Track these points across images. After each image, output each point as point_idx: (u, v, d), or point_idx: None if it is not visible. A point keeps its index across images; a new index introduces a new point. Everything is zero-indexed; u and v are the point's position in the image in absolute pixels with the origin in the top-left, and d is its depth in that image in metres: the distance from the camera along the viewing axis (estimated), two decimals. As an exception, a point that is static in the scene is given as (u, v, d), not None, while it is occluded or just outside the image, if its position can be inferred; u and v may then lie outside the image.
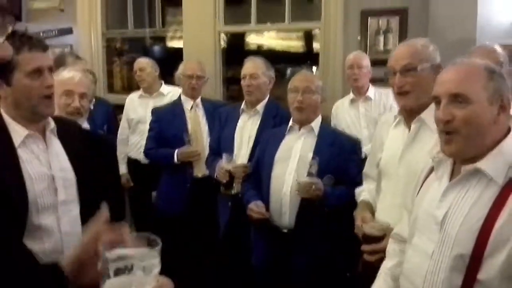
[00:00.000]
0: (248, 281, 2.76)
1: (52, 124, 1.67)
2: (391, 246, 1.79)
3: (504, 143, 1.39)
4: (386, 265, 1.77)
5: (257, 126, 3.04)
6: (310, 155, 2.50)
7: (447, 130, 1.41)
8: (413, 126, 1.95)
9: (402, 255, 1.65)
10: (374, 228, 1.94)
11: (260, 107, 3.10)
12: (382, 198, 2.07)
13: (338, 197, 2.44)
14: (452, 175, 1.47)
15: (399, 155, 1.96)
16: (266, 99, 3.14)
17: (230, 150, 3.03)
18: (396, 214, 1.86)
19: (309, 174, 2.41)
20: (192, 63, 3.60)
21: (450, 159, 1.49)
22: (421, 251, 1.48)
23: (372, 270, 1.85)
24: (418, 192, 1.60)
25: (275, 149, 2.60)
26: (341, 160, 2.49)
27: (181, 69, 3.59)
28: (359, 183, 2.36)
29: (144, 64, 4.19)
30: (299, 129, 2.61)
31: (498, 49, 2.47)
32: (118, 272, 0.83)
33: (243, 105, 3.16)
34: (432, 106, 1.84)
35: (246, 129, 3.07)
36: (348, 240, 2.20)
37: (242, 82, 3.12)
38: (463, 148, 1.41)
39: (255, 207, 2.54)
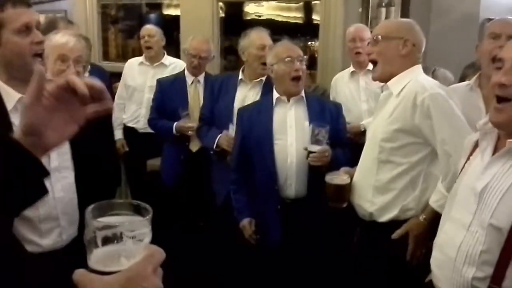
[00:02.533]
0: (247, 254, 2.77)
1: None
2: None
3: None
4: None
5: (258, 97, 3.01)
6: (306, 123, 2.50)
7: (502, 95, 1.35)
8: (382, 94, 2.17)
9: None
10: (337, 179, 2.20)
11: (263, 78, 3.06)
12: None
13: (344, 158, 2.51)
14: (496, 149, 1.43)
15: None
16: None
17: (229, 121, 3.00)
18: (359, 172, 2.21)
19: (317, 141, 2.38)
20: (198, 42, 3.53)
21: (495, 132, 1.44)
22: (458, 223, 1.47)
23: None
24: (463, 167, 1.58)
25: (267, 123, 2.55)
26: (332, 124, 2.51)
27: (187, 45, 3.57)
28: (348, 143, 2.67)
29: (153, 31, 4.07)
30: (288, 100, 2.57)
31: None
32: (106, 241, 0.79)
33: (241, 76, 3.11)
34: (400, 75, 2.05)
35: (248, 100, 3.03)
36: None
37: (257, 53, 3.04)
38: None
39: (249, 229, 2.61)
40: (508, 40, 2.08)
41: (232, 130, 2.92)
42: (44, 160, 1.54)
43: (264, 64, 2.93)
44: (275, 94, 2.60)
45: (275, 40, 3.15)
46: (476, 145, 1.54)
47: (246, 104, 2.94)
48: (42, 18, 1.83)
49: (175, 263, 1.39)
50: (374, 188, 2.14)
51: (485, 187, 1.38)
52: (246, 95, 3.07)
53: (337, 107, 2.75)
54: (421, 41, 2.15)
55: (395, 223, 2.08)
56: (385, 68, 2.11)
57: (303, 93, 2.59)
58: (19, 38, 1.52)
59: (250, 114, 2.64)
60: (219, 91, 3.16)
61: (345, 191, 2.22)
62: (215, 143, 3.01)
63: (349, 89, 3.44)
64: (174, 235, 3.05)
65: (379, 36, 2.11)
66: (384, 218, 2.12)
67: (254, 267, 2.66)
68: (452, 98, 1.99)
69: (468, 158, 1.56)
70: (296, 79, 2.52)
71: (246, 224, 2.61)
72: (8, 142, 0.89)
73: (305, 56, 2.61)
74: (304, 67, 2.56)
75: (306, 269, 2.55)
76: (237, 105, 3.02)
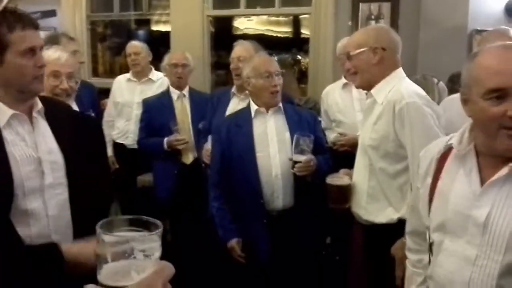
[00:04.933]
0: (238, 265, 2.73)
1: (39, 105, 1.61)
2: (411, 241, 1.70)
3: None
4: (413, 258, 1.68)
5: None
6: (287, 134, 2.50)
7: None
8: (367, 102, 2.24)
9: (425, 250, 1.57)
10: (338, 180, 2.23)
11: None
12: None
13: (326, 164, 2.51)
14: (480, 171, 1.33)
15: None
16: None
17: None
18: (354, 179, 2.23)
19: (302, 151, 2.38)
20: (177, 53, 3.64)
21: (474, 152, 1.35)
22: (459, 256, 1.35)
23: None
24: (433, 186, 1.46)
25: (248, 136, 2.53)
26: (311, 131, 2.52)
27: (166, 60, 3.62)
28: (328, 150, 2.72)
29: (139, 48, 4.07)
30: (267, 111, 2.56)
31: None
32: (116, 256, 0.79)
33: (233, 89, 3.14)
34: (383, 82, 2.07)
35: None
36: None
37: (231, 66, 3.10)
38: None
39: (238, 250, 2.53)
40: None
41: (211, 141, 2.89)
42: (38, 177, 1.53)
43: (236, 75, 2.98)
44: (253, 106, 2.58)
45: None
46: (441, 163, 1.44)
47: None
48: (43, 34, 1.81)
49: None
50: (368, 195, 2.16)
51: (487, 217, 1.28)
52: (235, 108, 3.07)
53: (313, 115, 2.79)
54: (391, 42, 2.15)
55: (391, 225, 2.07)
56: (363, 78, 2.17)
57: (280, 104, 2.59)
58: (23, 60, 1.52)
59: (228, 128, 2.59)
60: (217, 104, 3.20)
61: (346, 192, 2.22)
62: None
63: (342, 100, 3.44)
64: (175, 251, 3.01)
65: (350, 52, 2.17)
66: (380, 220, 2.13)
67: (246, 285, 2.61)
68: (431, 107, 2.01)
69: (436, 178, 1.44)
70: (274, 93, 2.53)
71: (235, 245, 2.53)
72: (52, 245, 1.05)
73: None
74: (281, 80, 2.57)
75: (298, 285, 2.51)
76: None
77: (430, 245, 1.47)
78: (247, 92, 3.02)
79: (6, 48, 1.49)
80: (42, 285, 1.01)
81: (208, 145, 2.95)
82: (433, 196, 1.44)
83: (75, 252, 1.02)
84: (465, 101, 1.35)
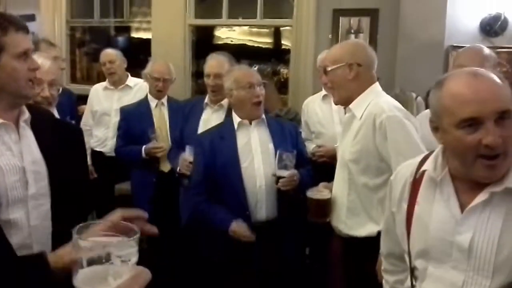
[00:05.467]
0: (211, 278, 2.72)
1: (26, 114, 1.58)
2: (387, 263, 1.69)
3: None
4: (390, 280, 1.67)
5: (222, 120, 2.99)
6: (270, 146, 2.53)
7: (497, 154, 1.22)
8: (346, 116, 2.26)
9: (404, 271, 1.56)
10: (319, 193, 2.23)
11: (225, 101, 3.06)
12: None
13: (307, 176, 2.53)
14: (458, 194, 1.32)
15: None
16: None
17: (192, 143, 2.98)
18: (333, 193, 2.23)
19: (285, 166, 2.41)
20: (160, 65, 3.57)
21: (448, 176, 1.34)
22: (445, 283, 1.34)
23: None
24: (410, 212, 1.44)
25: (232, 149, 2.53)
26: (293, 143, 2.57)
27: (148, 69, 3.58)
28: (309, 161, 2.74)
29: (114, 56, 4.02)
30: (250, 123, 2.58)
31: (487, 51, 2.49)
32: (92, 261, 0.79)
33: (206, 99, 3.14)
34: (361, 97, 2.10)
35: (211, 123, 3.01)
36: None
37: (206, 80, 3.10)
38: (505, 169, 1.25)
39: (241, 228, 2.43)
40: None
41: (189, 151, 2.89)
42: (22, 187, 1.50)
43: (213, 91, 3.01)
44: (236, 118, 2.59)
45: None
46: (415, 187, 1.42)
47: (210, 126, 2.90)
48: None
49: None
50: (347, 209, 2.17)
51: (471, 242, 1.27)
52: (209, 118, 3.09)
53: (295, 127, 2.83)
54: (366, 57, 2.17)
55: (371, 239, 2.07)
56: (340, 94, 2.19)
57: (263, 115, 2.61)
58: (18, 63, 1.50)
59: (212, 141, 2.58)
60: (188, 114, 3.19)
61: (326, 205, 2.23)
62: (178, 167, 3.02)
63: (321, 111, 3.48)
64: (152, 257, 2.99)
65: (326, 67, 2.19)
66: (360, 233, 2.14)
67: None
68: (410, 120, 2.04)
69: (412, 203, 1.42)
70: (257, 104, 2.54)
71: (236, 227, 2.43)
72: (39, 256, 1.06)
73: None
74: (263, 91, 2.58)
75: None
76: (201, 128, 3.03)
77: (412, 270, 1.45)
78: (221, 103, 3.06)
79: (1, 51, 1.47)
80: None
81: (185, 155, 2.92)
82: (411, 222, 1.42)
83: (63, 260, 1.01)
84: (435, 129, 1.35)
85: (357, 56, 2.14)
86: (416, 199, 1.41)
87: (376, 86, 2.19)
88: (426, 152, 1.54)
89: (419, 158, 1.48)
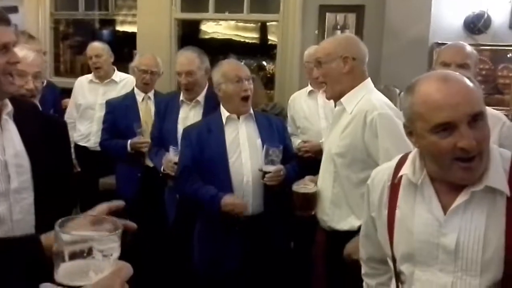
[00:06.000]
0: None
1: (9, 107, 1.55)
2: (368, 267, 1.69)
3: (492, 157, 1.31)
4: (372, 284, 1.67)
5: (200, 117, 2.99)
6: (258, 141, 2.54)
7: (472, 156, 1.23)
8: (336, 110, 2.23)
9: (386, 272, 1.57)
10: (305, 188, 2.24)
11: (201, 97, 3.07)
12: None
13: (293, 172, 2.54)
14: (438, 196, 1.33)
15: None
16: (205, 89, 3.10)
17: (174, 142, 2.97)
18: (319, 185, 2.25)
19: (271, 162, 2.43)
20: (147, 58, 3.56)
21: (427, 179, 1.35)
22: (434, 286, 1.34)
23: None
24: (391, 216, 1.44)
25: (220, 143, 2.53)
26: (280, 138, 2.58)
27: (136, 62, 3.58)
28: (294, 156, 2.77)
29: (100, 50, 3.96)
30: (238, 118, 2.58)
31: (469, 48, 2.50)
32: (74, 256, 0.79)
33: (181, 97, 3.11)
34: (353, 92, 2.10)
35: (190, 120, 3.01)
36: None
37: (178, 79, 3.08)
38: (482, 170, 1.27)
39: (234, 200, 2.41)
40: (457, 68, 2.20)
41: (173, 152, 2.87)
42: (4, 181, 1.48)
43: (186, 89, 2.99)
44: (224, 112, 2.58)
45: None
46: (394, 191, 1.43)
47: (189, 123, 2.87)
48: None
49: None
50: (331, 201, 2.19)
51: (457, 243, 1.29)
52: (187, 116, 3.06)
53: (282, 122, 2.84)
54: (360, 52, 2.18)
55: (352, 233, 2.09)
56: (334, 88, 2.18)
57: (251, 110, 2.62)
58: None
59: (199, 134, 2.57)
60: (165, 111, 3.16)
61: (312, 199, 2.25)
62: (162, 167, 2.99)
63: (307, 107, 3.50)
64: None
65: (320, 59, 2.18)
66: (342, 227, 2.17)
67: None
68: (400, 118, 2.05)
69: (393, 207, 1.42)
70: (245, 98, 2.54)
71: (228, 200, 2.40)
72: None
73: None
74: (252, 86, 2.58)
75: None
76: (180, 126, 2.99)
77: (398, 274, 1.45)
78: (197, 99, 3.04)
79: None
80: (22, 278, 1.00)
81: (169, 156, 2.90)
82: (393, 226, 1.42)
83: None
84: (409, 133, 1.36)
85: (350, 50, 2.15)
86: (396, 203, 1.41)
87: (368, 82, 2.20)
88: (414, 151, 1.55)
89: (394, 162, 1.49)
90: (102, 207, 1.06)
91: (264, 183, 2.46)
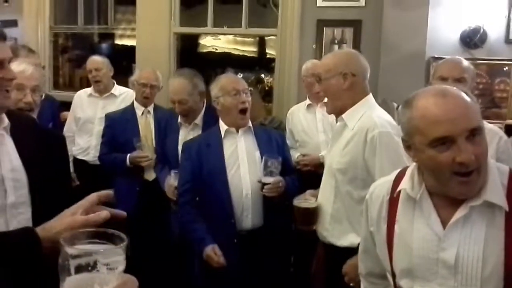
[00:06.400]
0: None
1: (6, 121, 1.54)
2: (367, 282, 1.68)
3: (490, 171, 1.31)
4: None
5: None
6: (257, 154, 2.53)
7: (471, 170, 1.24)
8: (337, 125, 2.23)
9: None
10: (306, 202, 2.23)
11: (199, 120, 3.07)
12: None
13: (293, 185, 2.55)
14: (437, 210, 1.34)
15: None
16: (203, 110, 3.09)
17: (175, 163, 2.97)
18: (319, 200, 2.23)
19: (270, 173, 2.43)
20: (147, 72, 3.57)
21: (426, 193, 1.35)
22: None
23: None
24: (390, 231, 1.44)
25: (219, 156, 2.53)
26: (279, 152, 2.57)
27: (135, 76, 3.59)
28: (294, 169, 2.79)
29: (100, 64, 3.97)
30: (237, 131, 2.58)
31: (466, 63, 2.52)
32: (79, 269, 0.78)
33: (180, 119, 3.10)
34: (354, 108, 2.10)
35: None
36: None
37: (174, 106, 3.03)
38: (480, 184, 1.27)
39: (215, 256, 2.43)
40: (454, 83, 2.21)
41: (174, 176, 2.85)
42: (1, 195, 1.47)
43: (182, 116, 3.00)
44: (223, 126, 2.59)
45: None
46: (393, 206, 1.43)
47: None
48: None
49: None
50: (331, 216, 2.18)
51: (457, 257, 1.28)
52: (186, 137, 3.04)
53: (281, 135, 2.84)
54: (360, 67, 2.16)
55: (352, 249, 2.07)
56: (334, 104, 2.18)
57: (250, 123, 2.62)
58: None
59: (199, 148, 2.58)
60: (165, 128, 3.18)
61: (313, 214, 2.24)
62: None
63: (306, 120, 3.51)
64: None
65: (321, 75, 2.19)
66: (342, 243, 2.15)
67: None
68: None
69: (392, 222, 1.42)
70: (243, 111, 2.55)
71: (210, 252, 2.44)
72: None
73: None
74: (250, 98, 2.59)
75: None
76: (180, 147, 2.94)
77: None
78: (195, 122, 3.04)
79: None
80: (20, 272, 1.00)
81: (170, 181, 2.89)
82: (392, 241, 1.42)
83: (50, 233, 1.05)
84: (408, 147, 1.36)
85: (350, 66, 2.14)
86: (395, 218, 1.41)
87: (370, 98, 2.19)
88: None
89: (392, 176, 1.49)
90: (92, 197, 1.07)
91: (263, 196, 2.46)
